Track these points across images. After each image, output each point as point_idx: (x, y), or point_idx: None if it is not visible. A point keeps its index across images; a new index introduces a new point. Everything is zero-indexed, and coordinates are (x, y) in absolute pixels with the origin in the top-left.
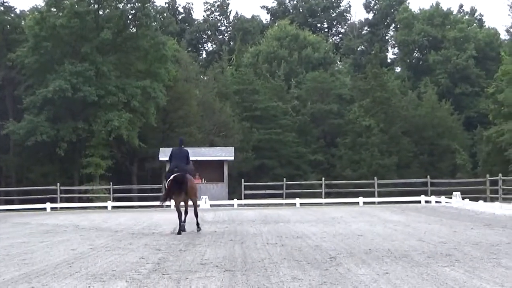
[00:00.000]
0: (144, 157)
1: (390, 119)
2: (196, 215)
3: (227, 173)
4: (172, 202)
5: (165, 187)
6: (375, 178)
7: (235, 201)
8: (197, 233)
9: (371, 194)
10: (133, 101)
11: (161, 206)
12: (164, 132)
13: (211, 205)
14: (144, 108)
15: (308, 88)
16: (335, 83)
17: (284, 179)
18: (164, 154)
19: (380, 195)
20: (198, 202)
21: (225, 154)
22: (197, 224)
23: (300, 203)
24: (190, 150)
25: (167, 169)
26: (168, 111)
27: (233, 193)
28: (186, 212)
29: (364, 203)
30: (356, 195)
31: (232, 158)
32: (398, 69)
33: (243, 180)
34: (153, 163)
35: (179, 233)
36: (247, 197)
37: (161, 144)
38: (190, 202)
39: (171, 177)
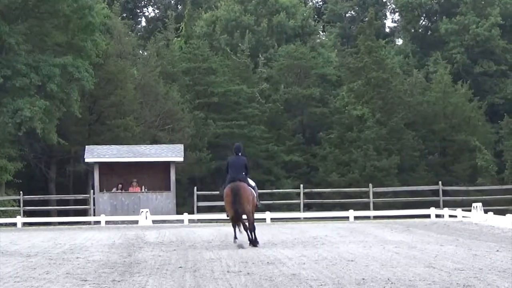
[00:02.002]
0: (65, 157)
1: (390, 107)
2: (252, 229)
3: (174, 178)
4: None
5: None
6: (370, 185)
7: (186, 216)
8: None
9: (365, 206)
10: (50, 84)
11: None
12: (91, 124)
13: (153, 221)
14: (65, 93)
15: (281, 66)
16: (316, 60)
17: None
18: (91, 154)
19: (377, 207)
20: (137, 217)
21: (172, 153)
22: (254, 239)
23: (271, 218)
24: (125, 148)
25: (224, 184)
26: (96, 97)
27: (182, 205)
28: (244, 226)
29: (356, 217)
30: (345, 207)
31: (181, 159)
32: (399, 42)
33: (195, 188)
34: (77, 165)
35: (236, 238)
36: (201, 210)
37: (87, 140)
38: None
39: (227, 187)
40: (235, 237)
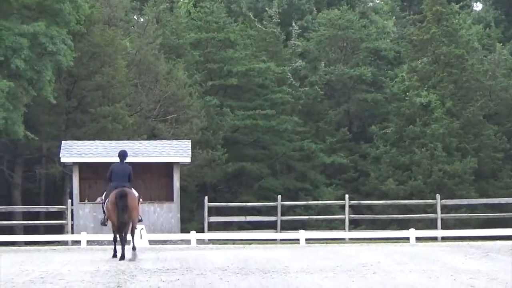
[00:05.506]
0: (34, 157)
1: (465, 93)
2: (133, 234)
3: (178, 185)
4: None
5: (103, 210)
6: (438, 196)
7: (193, 235)
8: (132, 261)
9: (431, 224)
10: (15, 59)
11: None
12: (69, 113)
13: (150, 241)
14: (35, 71)
15: (322, 38)
16: (368, 30)
17: (279, 196)
18: (69, 152)
19: (447, 225)
20: (129, 236)
21: (176, 152)
22: (133, 247)
23: (307, 239)
24: (114, 144)
25: (105, 193)
26: (76, 77)
27: (189, 221)
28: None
29: (418, 239)
30: (405, 225)
31: (188, 159)
32: (478, 6)
33: (206, 198)
34: (50, 167)
35: (115, 256)
36: (213, 227)
37: (64, 134)
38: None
39: (112, 193)
40: (115, 253)
